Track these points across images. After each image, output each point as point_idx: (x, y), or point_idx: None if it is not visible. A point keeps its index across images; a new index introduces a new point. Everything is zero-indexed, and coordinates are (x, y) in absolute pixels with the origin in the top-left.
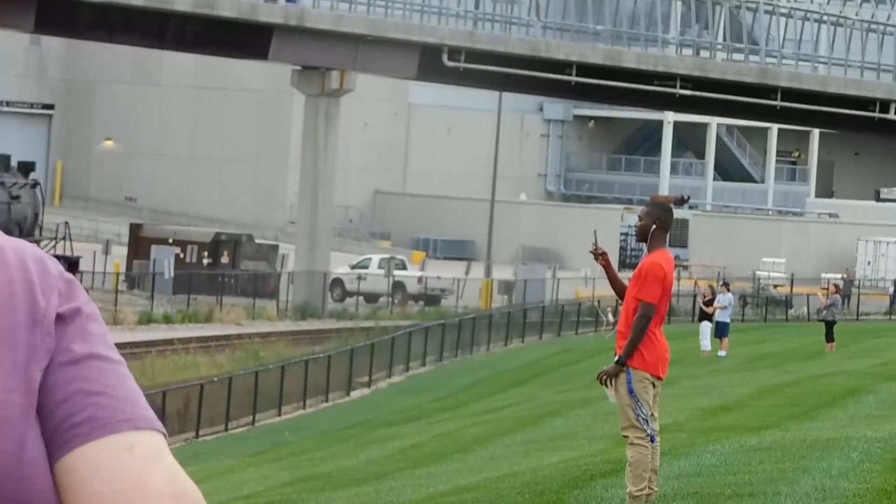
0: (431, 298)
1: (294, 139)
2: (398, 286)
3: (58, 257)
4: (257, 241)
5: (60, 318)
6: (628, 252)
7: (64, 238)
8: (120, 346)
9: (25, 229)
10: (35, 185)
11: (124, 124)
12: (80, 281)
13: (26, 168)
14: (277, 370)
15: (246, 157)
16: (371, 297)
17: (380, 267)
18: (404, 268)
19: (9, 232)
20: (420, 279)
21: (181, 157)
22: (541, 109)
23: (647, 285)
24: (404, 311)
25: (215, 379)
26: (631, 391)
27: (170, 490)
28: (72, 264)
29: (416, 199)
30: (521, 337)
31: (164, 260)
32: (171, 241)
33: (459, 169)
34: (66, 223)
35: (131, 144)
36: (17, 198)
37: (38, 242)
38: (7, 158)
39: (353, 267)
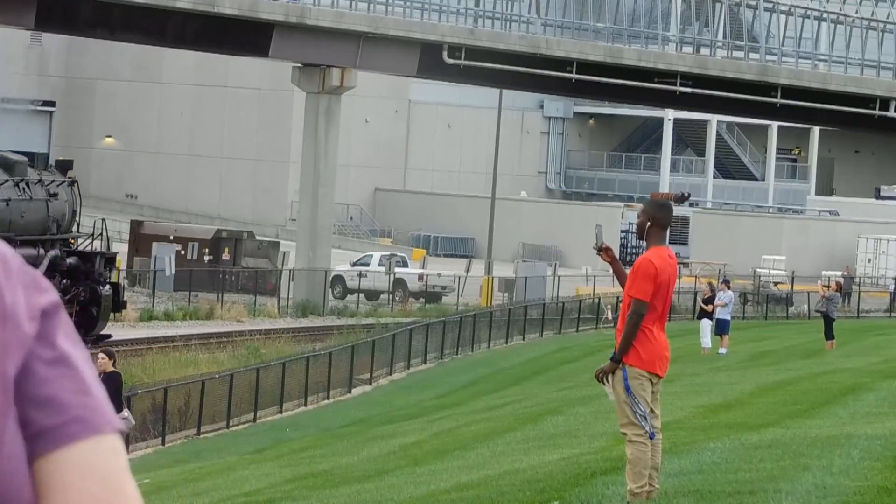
0: (432, 296)
1: (294, 137)
2: (399, 283)
3: (96, 254)
4: (258, 238)
5: (45, 314)
6: (629, 249)
7: (101, 235)
8: (121, 342)
9: (63, 226)
10: (73, 182)
11: (125, 122)
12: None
13: (64, 166)
14: (278, 367)
15: (246, 154)
16: (372, 295)
17: (380, 264)
18: (405, 265)
19: (47, 229)
20: (421, 276)
21: (181, 154)
22: (541, 107)
23: (637, 282)
24: (405, 308)
25: (216, 376)
26: (627, 388)
27: (137, 496)
28: (109, 260)
29: (417, 196)
30: (522, 334)
31: (165, 257)
32: (172, 238)
33: (460, 166)
34: (104, 220)
35: (131, 142)
36: (55, 195)
37: (75, 239)
38: (46, 157)
39: (354, 264)
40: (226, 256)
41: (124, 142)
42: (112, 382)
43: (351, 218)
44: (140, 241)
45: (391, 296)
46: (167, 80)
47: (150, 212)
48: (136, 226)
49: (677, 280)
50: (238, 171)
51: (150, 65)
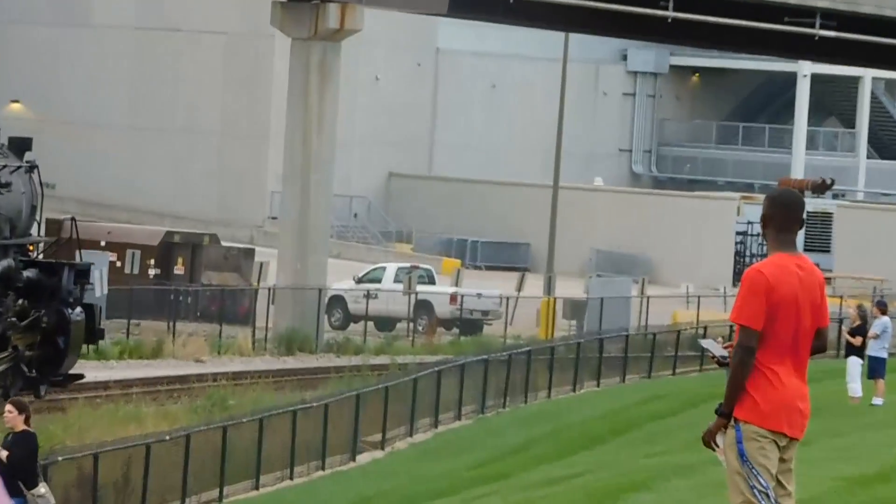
0: (469, 324)
1: (276, 101)
2: (423, 307)
3: (63, 265)
4: (224, 243)
5: None
6: (748, 259)
7: (70, 238)
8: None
9: (20, 228)
10: (31, 168)
11: (39, 82)
12: None
13: (20, 145)
14: (254, 425)
15: (210, 126)
16: (385, 323)
17: (397, 280)
18: (432, 281)
19: None
20: (453, 297)
21: (120, 126)
22: (623, 58)
23: (741, 302)
24: (431, 341)
25: (167, 437)
26: (741, 454)
27: None
28: (80, 273)
29: (448, 184)
30: (596, 378)
31: (94, 270)
32: (104, 243)
33: (508, 142)
34: (73, 219)
35: (49, 109)
36: (6, 185)
37: (35, 246)
38: None
39: (360, 280)
40: (179, 269)
41: (39, 109)
42: (24, 445)
43: (355, 215)
44: (60, 247)
45: (412, 324)
46: (99, 23)
47: (75, 207)
48: (53, 226)
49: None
50: (198, 150)
51: (75, 3)
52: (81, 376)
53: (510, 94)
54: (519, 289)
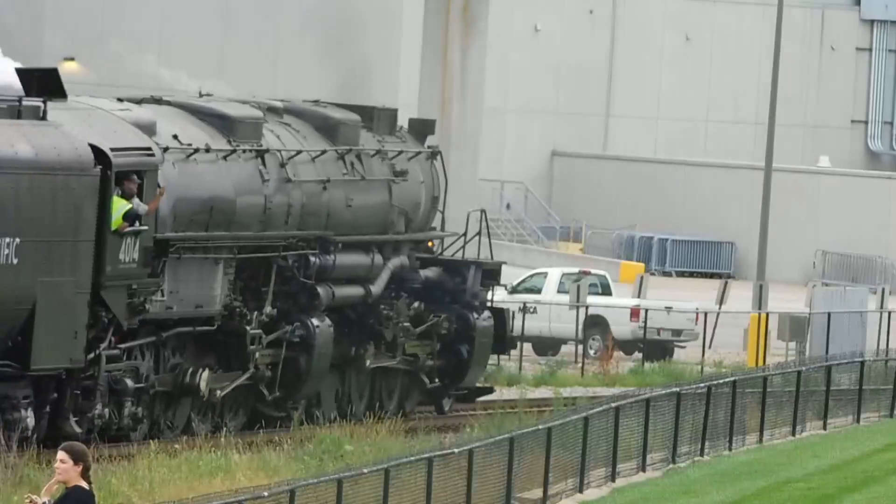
0: (656, 347)
1: (406, 58)
2: (595, 324)
3: (469, 263)
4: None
5: None
6: None
7: (477, 234)
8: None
9: (416, 222)
10: (434, 154)
11: (98, 34)
12: None
13: (421, 129)
14: (377, 478)
15: (316, 92)
16: (546, 345)
17: (562, 289)
18: (607, 291)
19: (389, 225)
20: (635, 312)
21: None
22: (857, 2)
23: None
24: (606, 369)
25: (265, 494)
26: None
27: None
28: (489, 273)
29: (628, 166)
30: (822, 418)
31: None
32: None
33: (707, 112)
34: (483, 212)
35: (112, 71)
36: (403, 174)
37: (435, 242)
38: (393, 114)
39: (514, 290)
40: None
41: (98, 69)
42: None
43: (508, 206)
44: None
45: (581, 346)
46: None
47: None
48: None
49: None
50: None
51: None
52: (491, 390)
53: (709, 50)
54: (721, 301)
